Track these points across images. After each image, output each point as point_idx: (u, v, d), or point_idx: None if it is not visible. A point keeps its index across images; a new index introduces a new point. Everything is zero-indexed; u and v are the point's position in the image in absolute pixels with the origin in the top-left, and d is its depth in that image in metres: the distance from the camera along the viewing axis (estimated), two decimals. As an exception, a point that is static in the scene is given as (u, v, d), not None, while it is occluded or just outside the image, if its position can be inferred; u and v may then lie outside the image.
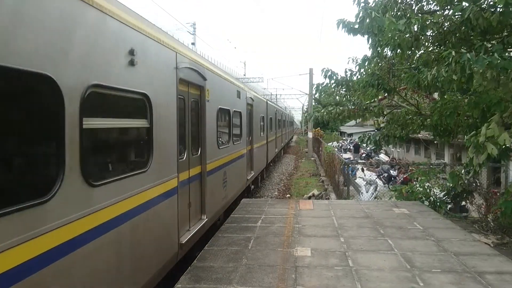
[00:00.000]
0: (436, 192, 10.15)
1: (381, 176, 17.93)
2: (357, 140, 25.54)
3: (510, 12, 6.00)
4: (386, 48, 7.90)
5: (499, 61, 5.36)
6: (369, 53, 9.21)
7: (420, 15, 7.40)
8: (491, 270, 5.07)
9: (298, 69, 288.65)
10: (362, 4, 8.06)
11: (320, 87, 11.01)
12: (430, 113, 9.15)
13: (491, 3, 6.29)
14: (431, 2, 8.51)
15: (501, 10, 6.08)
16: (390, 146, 14.36)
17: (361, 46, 66.65)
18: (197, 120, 6.70)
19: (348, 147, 39.80)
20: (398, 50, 7.49)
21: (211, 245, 6.14)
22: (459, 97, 8.88)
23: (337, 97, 11.76)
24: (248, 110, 12.08)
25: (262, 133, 15.56)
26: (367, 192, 14.37)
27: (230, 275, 4.92)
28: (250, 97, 12.33)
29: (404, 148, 33.00)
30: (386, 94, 10.36)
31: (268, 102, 19.15)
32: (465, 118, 8.26)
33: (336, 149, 25.29)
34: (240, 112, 10.37)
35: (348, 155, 30.18)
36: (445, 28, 7.33)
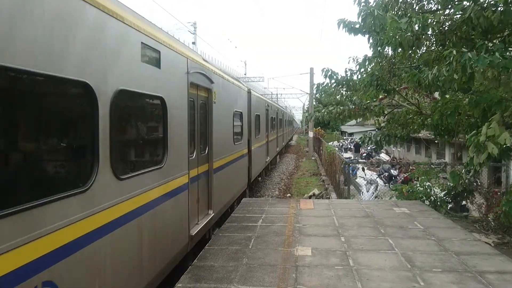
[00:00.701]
0: (437, 192, 10.15)
1: (382, 176, 17.92)
2: (357, 139, 25.53)
3: (511, 11, 5.99)
4: (387, 47, 7.89)
5: (500, 60, 5.35)
6: (369, 53, 9.22)
7: (421, 14, 7.39)
8: (492, 270, 5.07)
9: (298, 68, 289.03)
10: (363, 4, 8.06)
11: (321, 87, 11.01)
12: (431, 112, 9.15)
13: (492, 2, 6.27)
14: (432, 1, 8.50)
15: (502, 9, 6.06)
16: (391, 145, 14.35)
17: (361, 46, 66.74)
18: None
19: (349, 146, 39.90)
20: (399, 49, 7.49)
21: (211, 244, 6.15)
22: (460, 97, 8.88)
23: (337, 97, 11.75)
24: (201, 101, 6.96)
25: (240, 139, 10.62)
26: (367, 191, 14.36)
27: (231, 274, 4.93)
28: (204, 75, 6.93)
29: (404, 147, 33.01)
30: (386, 94, 10.36)
31: (253, 92, 13.38)
32: (466, 117, 8.25)
33: (336, 149, 25.32)
34: (162, 100, 4.92)
35: (348, 155, 30.21)
36: (446, 27, 7.32)
